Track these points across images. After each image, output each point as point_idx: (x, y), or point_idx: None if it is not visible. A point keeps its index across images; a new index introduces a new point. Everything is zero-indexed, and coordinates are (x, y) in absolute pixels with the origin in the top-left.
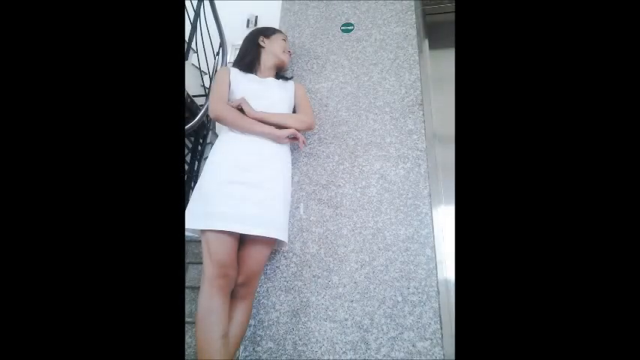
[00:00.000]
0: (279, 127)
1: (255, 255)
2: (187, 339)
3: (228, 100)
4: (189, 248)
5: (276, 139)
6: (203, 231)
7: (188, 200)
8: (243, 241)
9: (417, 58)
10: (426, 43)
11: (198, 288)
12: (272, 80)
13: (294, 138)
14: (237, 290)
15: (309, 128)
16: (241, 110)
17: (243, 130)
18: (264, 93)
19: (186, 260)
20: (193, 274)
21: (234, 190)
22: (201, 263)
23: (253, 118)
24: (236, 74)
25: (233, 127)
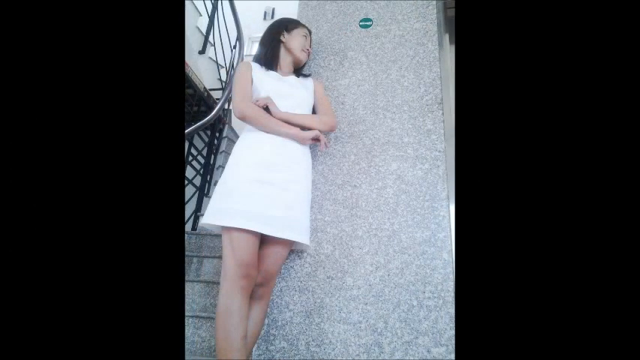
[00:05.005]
0: (303, 128)
1: (275, 255)
2: (202, 333)
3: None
4: (204, 242)
5: (301, 141)
6: (227, 229)
7: (205, 192)
8: (263, 241)
9: (437, 55)
10: (447, 37)
11: (212, 283)
12: (294, 79)
13: (316, 139)
14: (256, 290)
15: (332, 130)
16: (266, 109)
17: (269, 131)
18: (287, 92)
19: (202, 254)
20: (208, 268)
21: (260, 189)
22: (215, 257)
23: (279, 119)
24: (257, 70)
25: (258, 127)
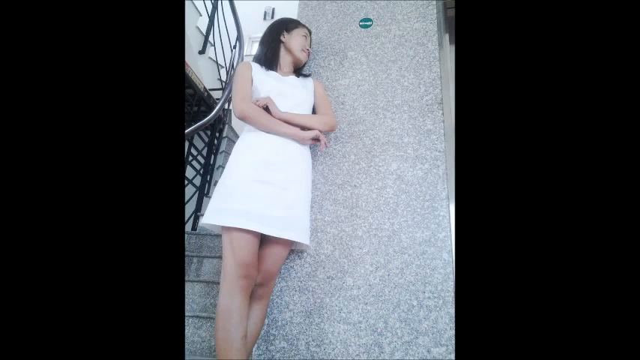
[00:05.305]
0: (303, 128)
1: (275, 256)
2: (202, 333)
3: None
4: (204, 242)
5: (301, 141)
6: (227, 228)
7: (205, 192)
8: (263, 241)
9: (437, 55)
10: (447, 37)
11: (212, 282)
12: (294, 79)
13: (316, 139)
14: (256, 290)
15: (332, 129)
16: (266, 109)
17: (269, 131)
18: (288, 92)
19: (202, 254)
20: (208, 268)
21: (260, 189)
22: (215, 257)
23: (279, 119)
24: (257, 70)
25: (258, 126)
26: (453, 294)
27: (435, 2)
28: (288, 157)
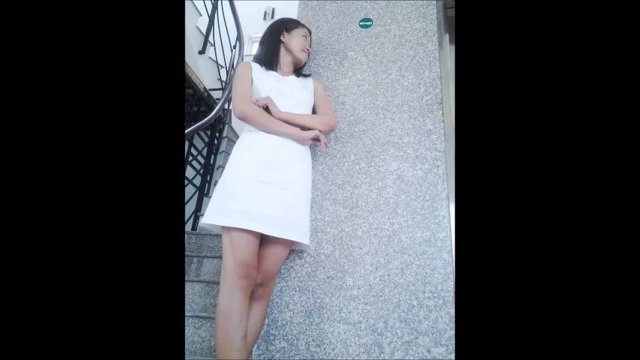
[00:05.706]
0: (303, 128)
1: (275, 256)
2: (202, 333)
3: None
4: (204, 242)
5: (301, 141)
6: (227, 228)
7: (205, 192)
8: (263, 241)
9: (437, 55)
10: (447, 37)
11: (212, 283)
12: (294, 79)
13: (316, 139)
14: (256, 290)
15: (332, 129)
16: (266, 109)
17: (269, 131)
18: (288, 92)
19: (202, 254)
20: (208, 268)
21: (260, 189)
22: (215, 257)
23: (279, 119)
24: (257, 70)
25: (258, 126)
26: (453, 294)
27: (435, 2)
28: (288, 157)
